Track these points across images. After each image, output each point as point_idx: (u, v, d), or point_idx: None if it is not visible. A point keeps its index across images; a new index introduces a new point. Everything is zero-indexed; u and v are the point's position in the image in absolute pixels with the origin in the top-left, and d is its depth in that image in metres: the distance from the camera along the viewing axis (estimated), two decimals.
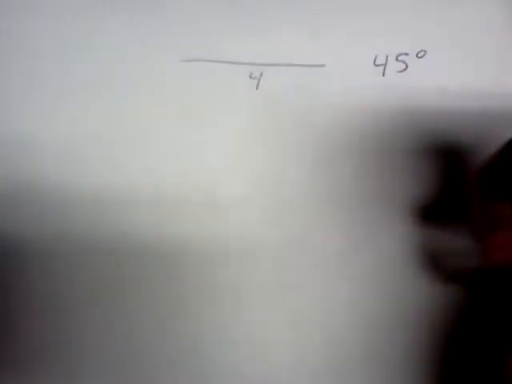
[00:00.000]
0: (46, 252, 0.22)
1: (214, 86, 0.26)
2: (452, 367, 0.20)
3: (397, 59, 0.25)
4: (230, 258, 0.22)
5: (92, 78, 0.26)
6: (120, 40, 0.27)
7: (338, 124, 0.24)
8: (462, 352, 0.20)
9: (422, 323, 0.21)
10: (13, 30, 0.28)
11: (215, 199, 0.23)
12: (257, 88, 0.26)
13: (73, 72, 0.26)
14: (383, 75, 0.24)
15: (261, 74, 0.26)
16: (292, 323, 0.21)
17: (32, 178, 0.23)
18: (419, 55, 0.24)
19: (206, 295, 0.22)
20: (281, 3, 0.28)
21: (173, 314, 0.21)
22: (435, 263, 0.20)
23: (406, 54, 0.24)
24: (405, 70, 0.24)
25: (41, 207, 0.23)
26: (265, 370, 0.21)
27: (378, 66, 0.24)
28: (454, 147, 0.23)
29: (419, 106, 0.24)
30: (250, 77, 0.26)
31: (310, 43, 0.27)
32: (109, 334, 0.21)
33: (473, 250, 0.18)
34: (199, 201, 0.23)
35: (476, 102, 0.23)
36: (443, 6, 0.24)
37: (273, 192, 0.24)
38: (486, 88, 0.23)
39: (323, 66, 0.27)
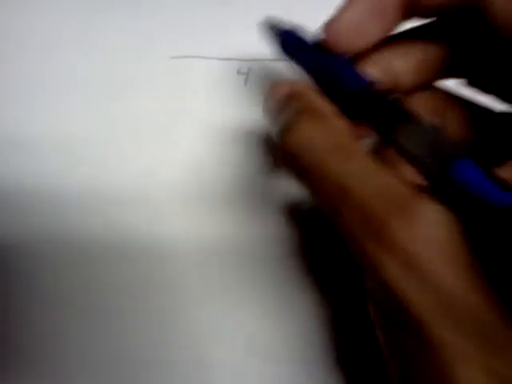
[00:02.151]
0: (39, 253, 0.22)
1: (203, 82, 0.26)
2: None
3: None
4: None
5: (81, 78, 0.26)
6: (109, 39, 0.27)
7: None
8: None
9: None
10: (7, 32, 0.28)
11: (205, 196, 0.24)
12: (245, 84, 0.26)
13: (63, 72, 0.26)
14: None
15: (249, 70, 0.26)
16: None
17: (26, 178, 0.24)
18: None
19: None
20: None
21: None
22: None
23: None
24: None
25: (35, 207, 0.23)
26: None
27: None
28: None
29: None
30: (238, 72, 0.26)
31: None
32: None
33: None
34: (195, 199, 0.24)
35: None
36: None
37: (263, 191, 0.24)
38: None
39: None
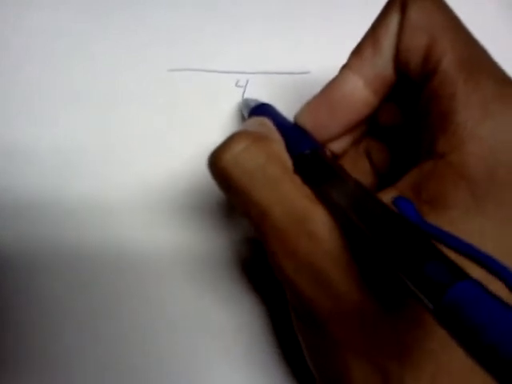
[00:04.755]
0: (36, 263, 0.22)
1: (201, 94, 0.26)
2: None
3: None
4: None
5: (79, 88, 0.26)
6: (107, 50, 0.27)
7: None
8: None
9: None
10: (7, 43, 0.28)
11: (203, 206, 0.24)
12: (243, 96, 0.26)
13: (60, 82, 0.26)
14: None
15: (247, 82, 0.26)
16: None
17: (23, 189, 0.23)
18: None
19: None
20: (265, 12, 0.29)
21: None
22: None
23: None
24: None
25: (32, 218, 0.23)
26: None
27: None
28: None
29: None
30: (236, 85, 0.26)
31: (294, 51, 0.27)
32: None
33: None
34: (185, 207, 0.24)
35: None
36: None
37: None
38: None
39: (307, 72, 0.27)
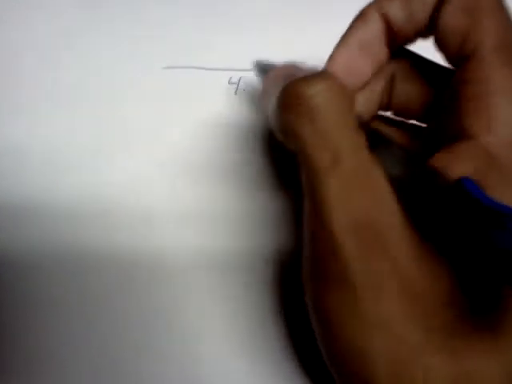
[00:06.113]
0: (30, 264, 0.22)
1: (194, 91, 0.26)
2: None
3: None
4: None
5: (74, 87, 0.26)
6: (101, 48, 0.27)
7: None
8: None
9: None
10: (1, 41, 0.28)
11: (194, 205, 0.24)
12: (235, 93, 0.26)
13: (54, 81, 0.27)
14: None
15: (239, 79, 0.26)
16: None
17: (13, 189, 0.24)
18: None
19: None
20: (257, 10, 0.29)
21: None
22: None
23: None
24: None
25: (23, 218, 0.23)
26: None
27: None
28: None
29: None
30: (229, 82, 0.26)
31: (286, 47, 0.27)
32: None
33: None
34: (185, 207, 0.24)
35: None
36: None
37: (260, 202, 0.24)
38: None
39: None
